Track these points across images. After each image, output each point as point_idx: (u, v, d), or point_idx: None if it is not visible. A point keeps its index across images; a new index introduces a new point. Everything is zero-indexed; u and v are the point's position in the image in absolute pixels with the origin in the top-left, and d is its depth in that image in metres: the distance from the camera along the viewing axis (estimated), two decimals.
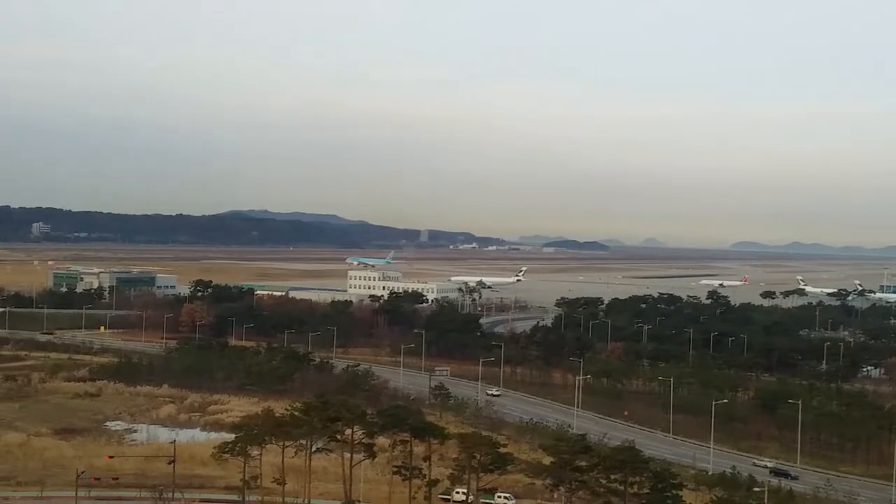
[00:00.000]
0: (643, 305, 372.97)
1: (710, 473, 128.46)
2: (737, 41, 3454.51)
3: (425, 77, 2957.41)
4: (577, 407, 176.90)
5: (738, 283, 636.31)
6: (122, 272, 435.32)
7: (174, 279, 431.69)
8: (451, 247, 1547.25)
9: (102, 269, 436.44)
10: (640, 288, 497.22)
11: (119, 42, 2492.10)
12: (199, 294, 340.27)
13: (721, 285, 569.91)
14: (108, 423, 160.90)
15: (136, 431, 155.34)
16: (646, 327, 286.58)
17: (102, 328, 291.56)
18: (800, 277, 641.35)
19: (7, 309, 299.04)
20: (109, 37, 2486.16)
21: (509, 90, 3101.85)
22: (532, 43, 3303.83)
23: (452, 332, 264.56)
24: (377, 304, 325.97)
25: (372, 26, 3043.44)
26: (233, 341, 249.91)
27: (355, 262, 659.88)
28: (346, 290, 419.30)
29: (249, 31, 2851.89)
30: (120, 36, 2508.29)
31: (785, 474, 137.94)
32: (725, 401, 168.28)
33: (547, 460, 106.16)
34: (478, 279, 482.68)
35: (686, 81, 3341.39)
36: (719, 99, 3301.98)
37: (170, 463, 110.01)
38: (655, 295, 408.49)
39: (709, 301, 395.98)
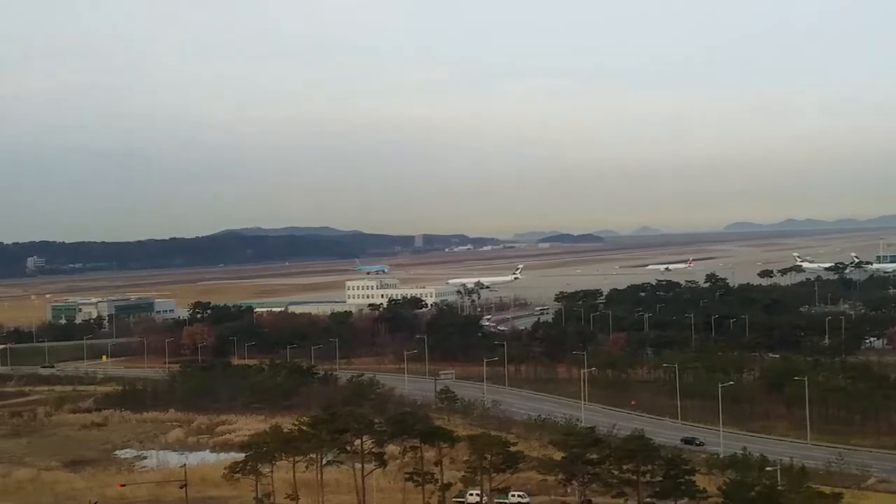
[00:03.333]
0: (642, 294, 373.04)
1: (721, 456, 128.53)
2: (721, 24, 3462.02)
3: (406, 81, 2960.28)
4: (584, 400, 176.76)
5: (684, 265, 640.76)
6: (119, 300, 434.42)
7: (173, 303, 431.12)
8: (447, 250, 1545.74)
9: (100, 299, 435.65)
10: (634, 277, 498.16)
11: (104, 69, 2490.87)
12: (199, 316, 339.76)
13: (667, 269, 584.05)
14: (117, 452, 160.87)
15: (145, 458, 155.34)
16: (646, 315, 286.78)
17: (104, 357, 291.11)
18: (796, 254, 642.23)
19: (8, 345, 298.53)
20: (93, 65, 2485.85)
21: (493, 92, 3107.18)
22: (520, 42, 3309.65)
23: (454, 334, 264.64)
24: (377, 313, 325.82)
25: (365, 33, 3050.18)
26: (235, 360, 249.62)
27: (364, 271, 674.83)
28: (345, 301, 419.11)
29: (228, 50, 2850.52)
30: (104, 63, 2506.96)
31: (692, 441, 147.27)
32: (731, 383, 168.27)
33: (558, 455, 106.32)
34: (475, 280, 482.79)
35: (672, 67, 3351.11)
36: (705, 82, 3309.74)
37: (182, 487, 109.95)
38: (654, 282, 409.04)
39: (707, 284, 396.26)
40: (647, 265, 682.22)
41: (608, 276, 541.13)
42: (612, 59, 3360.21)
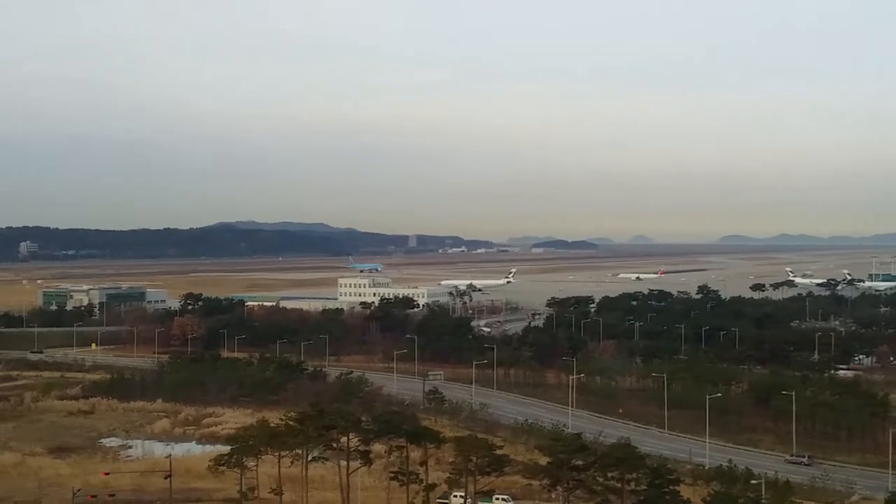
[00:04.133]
0: (634, 303, 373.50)
1: (706, 467, 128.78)
2: (716, 35, 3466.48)
3: (405, 82, 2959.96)
4: (572, 406, 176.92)
5: (654, 275, 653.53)
6: (111, 288, 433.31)
7: (164, 293, 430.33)
8: (440, 251, 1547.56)
9: (91, 286, 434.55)
10: (618, 285, 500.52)
11: (103, 59, 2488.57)
12: (190, 307, 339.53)
13: (638, 278, 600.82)
14: (102, 440, 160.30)
15: (131, 447, 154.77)
16: (637, 324, 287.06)
17: (94, 345, 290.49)
18: (789, 269, 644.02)
19: None
20: (94, 59, 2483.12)
21: (491, 93, 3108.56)
22: (520, 43, 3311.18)
23: (444, 336, 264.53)
24: (368, 311, 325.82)
25: (364, 34, 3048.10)
26: (225, 353, 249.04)
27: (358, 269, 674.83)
28: (336, 298, 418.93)
29: (226, 46, 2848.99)
30: (104, 53, 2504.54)
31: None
32: (719, 395, 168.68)
33: (543, 461, 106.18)
34: (468, 282, 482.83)
35: (672, 67, 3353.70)
36: (701, 94, 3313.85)
37: (166, 477, 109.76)
38: (646, 291, 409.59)
39: (699, 296, 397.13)
40: (618, 274, 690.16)
41: (600, 284, 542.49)
42: (612, 60, 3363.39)
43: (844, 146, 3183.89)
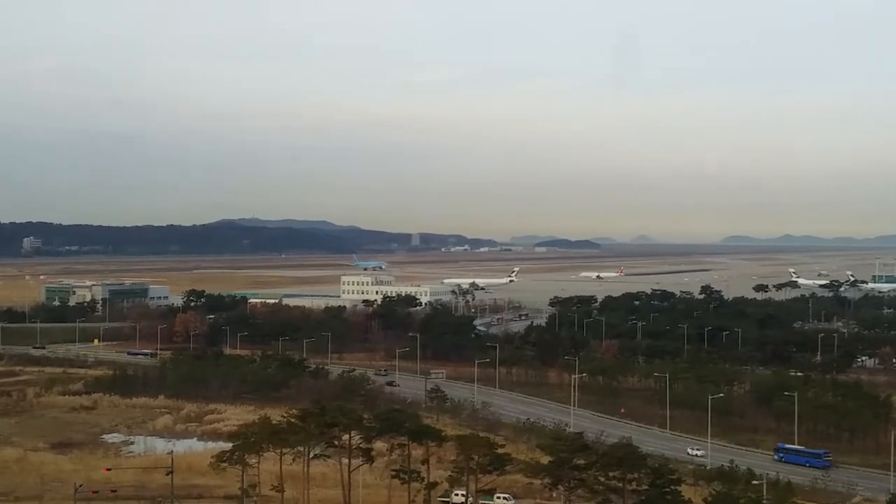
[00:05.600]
0: (637, 302, 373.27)
1: (708, 468, 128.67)
2: (717, 36, 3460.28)
3: (405, 82, 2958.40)
4: (574, 406, 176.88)
5: (615, 274, 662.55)
6: (114, 284, 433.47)
7: (167, 290, 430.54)
8: (443, 249, 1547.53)
9: (94, 282, 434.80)
10: (631, 285, 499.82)
11: (106, 53, 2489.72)
12: (193, 304, 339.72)
13: (598, 276, 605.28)
14: (104, 436, 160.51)
15: (132, 443, 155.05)
16: (640, 324, 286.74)
17: (96, 341, 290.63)
18: (792, 270, 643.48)
19: (0, 324, 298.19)
20: (98, 54, 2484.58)
21: (497, 92, 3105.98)
22: (521, 43, 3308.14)
23: (447, 334, 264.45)
24: (371, 309, 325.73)
25: (364, 31, 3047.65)
26: (227, 350, 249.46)
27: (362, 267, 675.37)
28: (339, 296, 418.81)
29: (232, 43, 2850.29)
30: (107, 51, 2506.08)
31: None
32: (721, 395, 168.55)
33: (545, 460, 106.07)
34: (470, 281, 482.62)
35: (672, 78, 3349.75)
36: (706, 95, 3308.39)
37: (168, 474, 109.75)
38: (649, 291, 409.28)
39: (702, 296, 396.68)
40: (581, 273, 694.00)
41: (603, 284, 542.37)
42: (612, 60, 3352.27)
43: (848, 147, 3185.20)
